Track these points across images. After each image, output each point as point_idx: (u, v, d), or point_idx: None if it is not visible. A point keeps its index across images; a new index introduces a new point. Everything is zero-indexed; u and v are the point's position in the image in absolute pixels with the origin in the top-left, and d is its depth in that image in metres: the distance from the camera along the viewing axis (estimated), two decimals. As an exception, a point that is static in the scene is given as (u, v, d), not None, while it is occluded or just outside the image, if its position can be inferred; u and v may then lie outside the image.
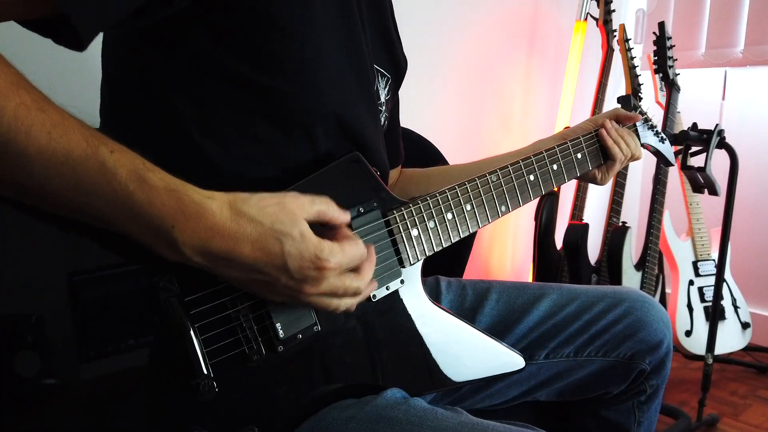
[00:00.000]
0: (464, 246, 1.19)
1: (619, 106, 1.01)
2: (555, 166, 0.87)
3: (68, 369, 0.55)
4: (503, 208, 0.81)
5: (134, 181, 0.50)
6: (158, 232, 0.52)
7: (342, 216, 0.62)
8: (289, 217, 0.56)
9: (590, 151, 0.93)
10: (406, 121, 1.08)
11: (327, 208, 0.60)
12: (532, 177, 0.84)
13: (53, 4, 0.48)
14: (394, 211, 0.71)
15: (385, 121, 0.85)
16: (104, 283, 0.57)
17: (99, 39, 0.63)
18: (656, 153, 1.07)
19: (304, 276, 0.57)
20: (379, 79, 0.82)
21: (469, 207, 0.77)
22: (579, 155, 0.91)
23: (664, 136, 1.07)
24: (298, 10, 0.62)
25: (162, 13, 0.57)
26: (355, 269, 0.61)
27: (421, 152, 1.24)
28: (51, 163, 0.48)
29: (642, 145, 1.01)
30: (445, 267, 1.05)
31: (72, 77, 0.94)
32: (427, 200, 0.74)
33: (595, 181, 0.97)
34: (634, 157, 0.97)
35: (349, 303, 0.62)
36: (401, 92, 0.95)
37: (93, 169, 0.49)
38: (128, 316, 0.58)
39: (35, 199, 0.51)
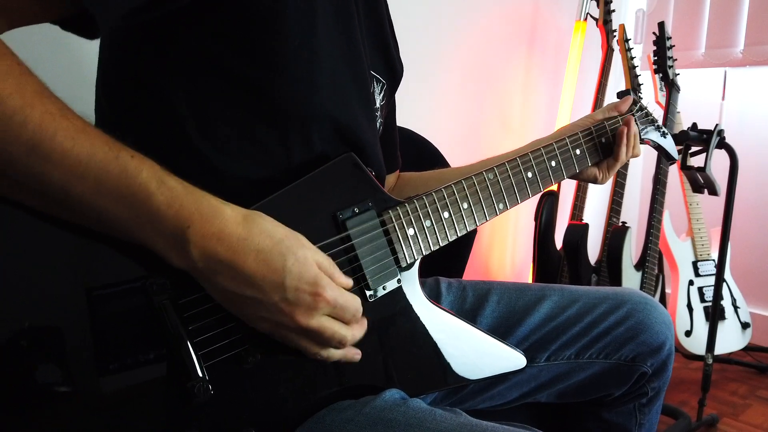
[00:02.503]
0: (464, 246, 1.18)
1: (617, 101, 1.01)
2: (553, 163, 0.87)
3: (87, 380, 0.55)
4: (501, 206, 0.80)
5: (155, 183, 0.52)
6: (172, 234, 0.53)
7: (344, 279, 0.61)
8: (297, 240, 0.57)
9: (588, 148, 0.92)
10: (406, 121, 1.07)
11: (331, 263, 0.60)
12: (530, 174, 0.83)
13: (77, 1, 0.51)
14: (390, 211, 0.71)
15: (380, 127, 0.85)
16: (122, 297, 0.57)
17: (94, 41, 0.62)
18: (658, 148, 1.07)
19: (298, 299, 0.56)
20: (375, 84, 0.82)
21: (465, 205, 0.76)
22: (578, 151, 0.90)
23: (666, 131, 1.06)
24: (299, 12, 0.62)
25: (169, 7, 0.57)
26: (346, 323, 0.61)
27: (421, 153, 1.23)
28: (74, 167, 0.50)
29: (642, 140, 1.00)
30: (445, 267, 1.04)
31: (66, 78, 0.94)
32: (423, 199, 0.73)
33: (595, 181, 0.96)
34: (634, 155, 0.97)
35: (328, 354, 0.61)
36: (401, 92, 0.94)
37: (114, 172, 0.51)
38: (145, 329, 0.58)
39: (55, 205, 0.52)
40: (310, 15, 0.63)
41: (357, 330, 0.63)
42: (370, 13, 0.80)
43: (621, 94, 1.01)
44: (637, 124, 0.98)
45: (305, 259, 0.57)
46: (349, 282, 0.62)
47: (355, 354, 0.65)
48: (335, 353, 0.62)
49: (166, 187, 0.52)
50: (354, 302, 0.61)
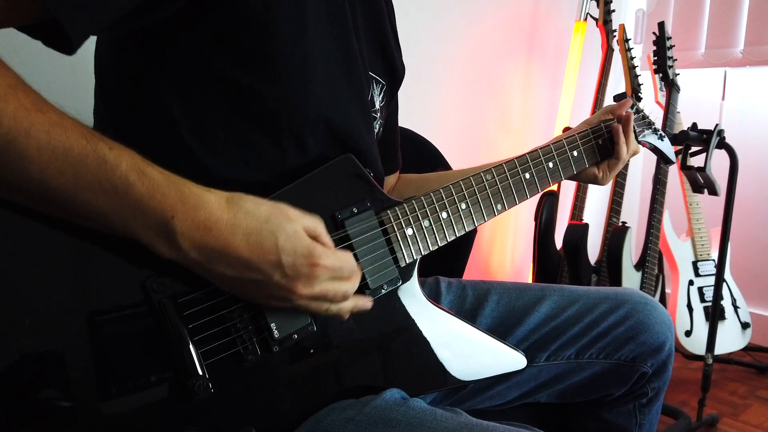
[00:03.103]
0: (464, 246, 1.18)
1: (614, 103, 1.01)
2: (551, 165, 0.87)
3: (86, 379, 0.55)
4: (499, 207, 0.80)
5: (134, 174, 0.51)
6: (157, 225, 0.52)
7: (329, 239, 0.62)
8: (283, 215, 0.57)
9: (586, 149, 0.92)
10: (405, 121, 1.07)
11: (318, 224, 0.61)
12: (527, 175, 0.84)
13: (43, 9, 0.48)
14: (389, 211, 0.71)
15: (380, 129, 0.85)
16: (121, 295, 0.57)
17: (92, 41, 0.62)
18: (655, 150, 1.07)
19: (297, 273, 0.57)
20: (374, 86, 0.82)
21: (464, 205, 0.77)
22: (575, 153, 0.90)
23: (663, 134, 1.06)
24: (291, 16, 0.62)
25: (153, 18, 0.57)
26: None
27: (421, 153, 1.23)
28: (51, 162, 0.48)
29: (639, 142, 1.00)
30: (445, 267, 1.04)
31: (67, 79, 0.94)
32: (421, 199, 0.73)
33: (596, 181, 0.96)
34: (633, 153, 0.97)
35: (338, 307, 0.63)
36: (401, 92, 0.94)
37: (93, 165, 0.50)
38: (144, 328, 0.58)
39: (36, 200, 0.51)
40: (300, 19, 0.63)
41: (354, 280, 0.63)
42: (369, 15, 0.80)
43: (618, 97, 1.01)
44: (633, 126, 0.98)
45: (295, 233, 0.57)
46: (331, 242, 0.62)
47: (367, 301, 0.66)
48: (345, 305, 0.63)
49: (146, 178, 0.52)
50: (349, 260, 0.62)
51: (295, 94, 0.64)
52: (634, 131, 0.98)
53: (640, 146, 1.00)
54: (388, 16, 0.86)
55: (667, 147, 1.08)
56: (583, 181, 0.97)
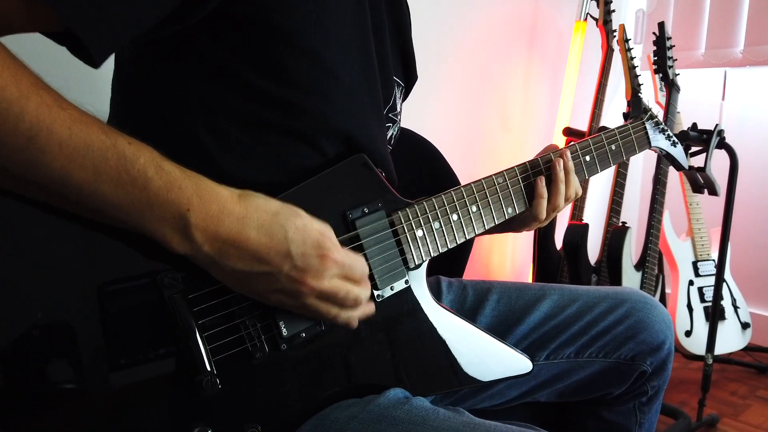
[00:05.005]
0: (465, 246, 1.19)
1: (628, 108, 1.01)
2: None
3: (96, 374, 0.56)
4: (510, 210, 0.81)
5: (152, 168, 0.53)
6: (173, 217, 0.54)
7: (339, 246, 0.62)
8: (292, 211, 0.59)
9: (599, 154, 0.90)
10: (405, 121, 1.08)
11: (328, 228, 0.61)
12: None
13: (61, 23, 0.50)
14: (399, 212, 0.71)
15: (397, 131, 0.85)
16: (132, 291, 0.58)
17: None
18: (667, 156, 1.07)
19: (306, 264, 0.58)
20: (396, 89, 0.82)
21: (474, 208, 0.77)
22: (587, 158, 0.90)
23: (676, 140, 1.07)
24: (313, 26, 0.63)
25: (173, 29, 0.58)
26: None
27: (421, 153, 1.24)
28: (72, 157, 0.50)
29: (651, 148, 1.00)
30: (446, 267, 1.05)
31: (86, 70, 0.94)
32: (432, 201, 0.74)
33: (512, 227, 0.88)
34: (570, 201, 0.88)
35: (348, 315, 0.63)
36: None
37: (113, 159, 0.51)
38: (154, 323, 0.58)
39: (55, 196, 0.52)
40: (323, 30, 0.64)
41: (366, 289, 0.64)
42: (393, 20, 0.80)
43: (630, 102, 1.01)
44: (647, 130, 0.98)
45: (304, 226, 0.58)
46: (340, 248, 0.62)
47: (372, 307, 0.67)
48: (354, 314, 0.64)
49: (163, 172, 0.53)
50: (360, 262, 0.63)
51: (316, 104, 0.65)
52: (647, 136, 0.98)
53: (646, 150, 1.00)
54: (408, 18, 0.87)
55: (679, 153, 1.08)
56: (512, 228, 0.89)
